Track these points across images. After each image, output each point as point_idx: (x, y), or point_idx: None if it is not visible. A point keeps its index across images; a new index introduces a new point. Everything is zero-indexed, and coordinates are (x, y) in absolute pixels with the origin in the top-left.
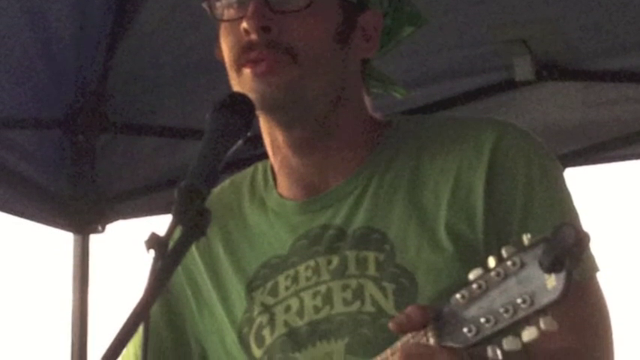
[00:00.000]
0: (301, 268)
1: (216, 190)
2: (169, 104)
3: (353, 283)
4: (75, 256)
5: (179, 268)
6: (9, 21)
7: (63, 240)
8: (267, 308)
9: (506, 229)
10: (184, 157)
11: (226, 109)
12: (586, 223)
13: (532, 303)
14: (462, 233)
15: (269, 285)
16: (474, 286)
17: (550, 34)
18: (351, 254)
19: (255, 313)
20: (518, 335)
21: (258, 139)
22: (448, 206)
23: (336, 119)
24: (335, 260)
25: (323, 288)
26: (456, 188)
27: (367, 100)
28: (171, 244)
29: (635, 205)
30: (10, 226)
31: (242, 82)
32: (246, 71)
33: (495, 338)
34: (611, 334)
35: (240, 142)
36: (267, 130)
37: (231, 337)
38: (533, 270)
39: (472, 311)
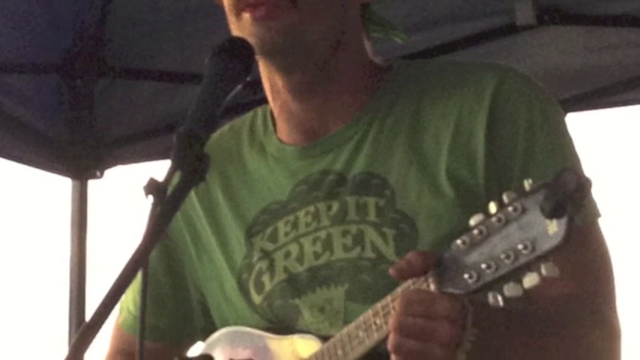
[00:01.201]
0: (301, 213)
1: (215, 135)
2: (168, 48)
3: (353, 228)
4: (73, 202)
5: (178, 213)
6: None
7: (61, 185)
8: (266, 254)
9: (507, 175)
10: (183, 102)
11: (225, 54)
12: (587, 169)
13: (533, 249)
14: (462, 178)
15: (268, 231)
16: (475, 231)
17: None
18: (351, 200)
19: (255, 259)
20: (520, 281)
21: (257, 83)
22: (449, 151)
23: (336, 64)
24: (335, 206)
25: (323, 234)
26: (457, 133)
27: (367, 45)
28: (170, 189)
29: (636, 150)
30: (8, 171)
31: (241, 26)
32: (246, 15)
33: (496, 284)
34: (612, 280)
35: (239, 86)
36: (267, 75)
37: (230, 283)
38: (535, 215)
39: (473, 257)
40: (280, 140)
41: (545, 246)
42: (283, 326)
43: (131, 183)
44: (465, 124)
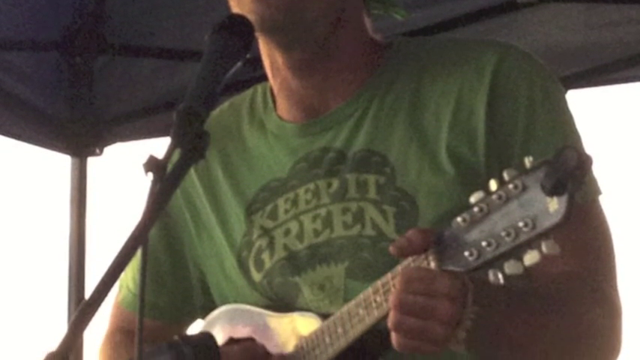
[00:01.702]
0: (301, 191)
1: (215, 112)
2: (168, 25)
3: (353, 206)
4: (72, 179)
5: (178, 191)
6: None
7: (60, 163)
8: (266, 232)
9: (507, 152)
10: (183, 79)
11: (225, 31)
12: (588, 146)
13: (534, 226)
14: (463, 156)
15: (268, 208)
16: (476, 209)
17: None
18: (351, 177)
19: (255, 236)
20: (520, 259)
21: (257, 60)
22: (449, 129)
23: (336, 41)
24: (335, 183)
25: (323, 211)
26: (457, 110)
27: (367, 22)
28: (169, 166)
29: (637, 128)
30: (7, 148)
31: (241, 3)
32: None
33: (497, 262)
34: (613, 258)
35: (239, 63)
36: (267, 52)
37: (230, 261)
38: (535, 193)
39: (473, 235)
40: (280, 117)
41: (546, 223)
42: (283, 304)
43: (130, 160)
44: (466, 101)
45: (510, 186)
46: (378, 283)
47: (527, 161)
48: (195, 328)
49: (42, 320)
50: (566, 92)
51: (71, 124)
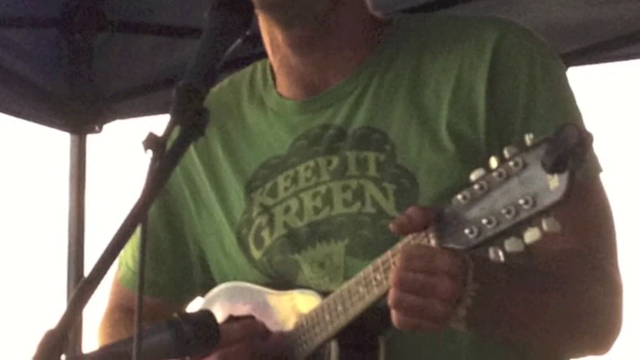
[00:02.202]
0: (301, 168)
1: (214, 89)
2: (167, 2)
3: (353, 183)
4: (72, 157)
5: (177, 168)
6: None
7: (59, 140)
8: (266, 209)
9: (508, 129)
10: (183, 56)
11: (225, 8)
12: (589, 123)
13: (534, 204)
14: (463, 133)
15: (268, 185)
16: (476, 186)
17: None
18: (351, 154)
19: (254, 214)
20: (521, 236)
21: (257, 37)
22: (449, 106)
23: (335, 17)
24: (335, 160)
25: (323, 189)
26: (458, 88)
27: None
28: (169, 144)
29: (637, 105)
30: (7, 126)
31: None
32: None
33: (497, 239)
34: (614, 235)
35: (239, 40)
36: (267, 29)
37: (229, 239)
38: (536, 170)
39: (474, 212)
40: (280, 95)
41: (547, 201)
42: (283, 281)
43: (130, 137)
44: (466, 78)
45: (511, 163)
46: (378, 260)
47: (528, 138)
48: (194, 305)
49: (41, 298)
50: (566, 69)
51: (70, 101)
